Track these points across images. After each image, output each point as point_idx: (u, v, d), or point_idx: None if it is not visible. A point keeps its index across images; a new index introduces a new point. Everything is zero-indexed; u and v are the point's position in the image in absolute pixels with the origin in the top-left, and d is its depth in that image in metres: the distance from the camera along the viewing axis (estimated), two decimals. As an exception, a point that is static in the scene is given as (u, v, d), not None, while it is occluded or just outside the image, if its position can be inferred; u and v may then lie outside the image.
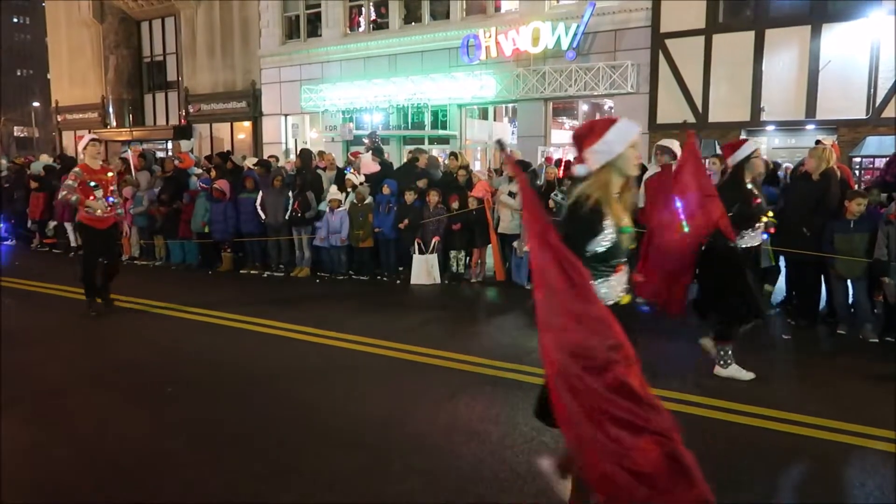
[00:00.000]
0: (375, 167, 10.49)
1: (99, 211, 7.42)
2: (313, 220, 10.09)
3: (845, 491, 3.62)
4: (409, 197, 9.51)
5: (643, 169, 8.48)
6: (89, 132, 24.07)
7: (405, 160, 11.49)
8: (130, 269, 11.19)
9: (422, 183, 9.70)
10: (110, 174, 7.79)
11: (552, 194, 8.70)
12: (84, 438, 4.29)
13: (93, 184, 7.40)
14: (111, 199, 7.59)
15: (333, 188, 10.04)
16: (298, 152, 11.29)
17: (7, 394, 5.02)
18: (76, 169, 7.54)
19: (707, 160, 9.74)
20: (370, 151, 11.00)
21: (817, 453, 4.04)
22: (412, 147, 14.97)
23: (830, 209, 6.69)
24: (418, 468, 3.81)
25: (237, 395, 5.10)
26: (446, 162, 10.93)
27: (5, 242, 14.26)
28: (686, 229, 4.96)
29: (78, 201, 7.37)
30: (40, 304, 8.57)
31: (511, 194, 9.08)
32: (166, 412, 4.75)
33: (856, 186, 7.93)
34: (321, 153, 11.73)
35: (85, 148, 7.60)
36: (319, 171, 10.73)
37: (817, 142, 7.52)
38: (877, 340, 6.43)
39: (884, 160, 9.22)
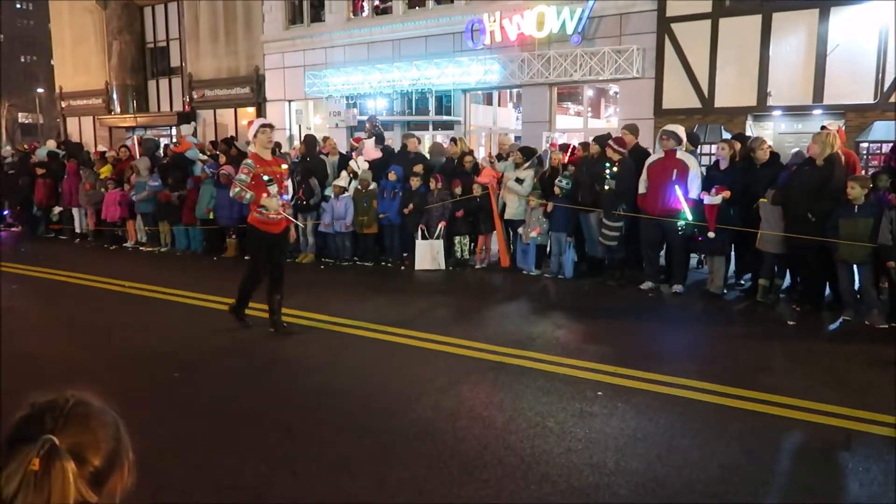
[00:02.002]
0: (378, 153, 10.47)
1: (273, 212, 6.15)
2: (318, 205, 10.09)
3: (849, 475, 3.63)
4: (414, 182, 9.49)
5: (646, 154, 8.46)
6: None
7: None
8: (136, 256, 11.26)
9: (418, 168, 9.66)
10: (284, 166, 6.57)
11: (556, 180, 8.67)
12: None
13: (266, 178, 6.12)
14: (285, 196, 6.40)
15: (343, 174, 10.03)
16: (303, 138, 11.26)
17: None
18: (248, 161, 6.19)
19: (714, 145, 9.69)
20: (373, 138, 10.97)
21: (821, 438, 4.05)
22: (408, 132, 14.95)
23: (834, 194, 6.66)
24: (423, 453, 3.83)
25: (242, 380, 5.12)
26: (446, 147, 10.92)
27: (12, 229, 14.31)
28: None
29: (253, 199, 6.04)
30: (47, 291, 8.62)
31: (518, 181, 9.04)
32: (171, 398, 4.78)
33: (862, 172, 7.89)
34: (325, 139, 11.70)
35: (255, 135, 6.28)
36: (323, 157, 10.71)
37: (822, 127, 7.47)
38: (886, 326, 6.41)
39: (891, 145, 9.15)
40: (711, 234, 7.44)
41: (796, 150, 8.31)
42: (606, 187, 8.06)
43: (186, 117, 22.92)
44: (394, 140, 16.89)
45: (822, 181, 6.70)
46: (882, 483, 3.50)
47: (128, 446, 1.15)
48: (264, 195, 6.06)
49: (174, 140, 16.37)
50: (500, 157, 10.06)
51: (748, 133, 11.98)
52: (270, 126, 6.38)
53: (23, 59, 74.42)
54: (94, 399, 1.14)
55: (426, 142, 15.55)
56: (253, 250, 6.62)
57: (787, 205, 6.98)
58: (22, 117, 66.66)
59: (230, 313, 6.55)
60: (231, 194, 6.21)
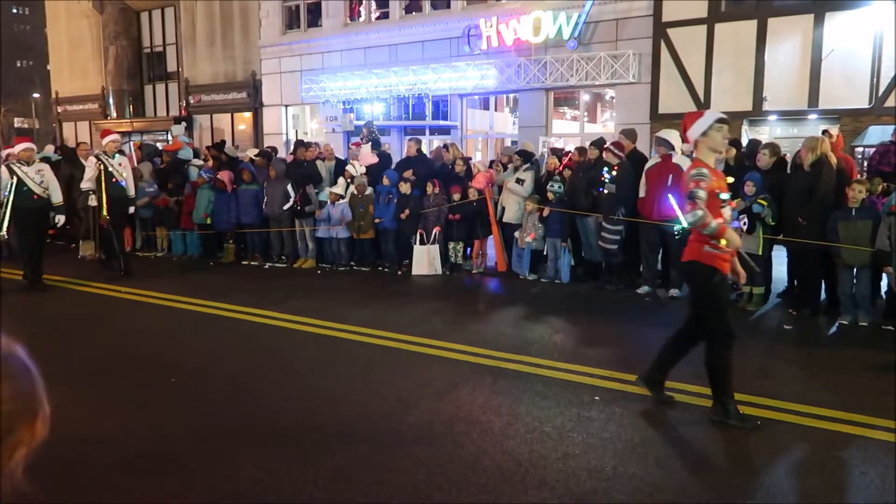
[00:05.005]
0: (374, 159, 10.49)
1: (731, 247, 4.31)
2: (314, 213, 10.09)
3: (846, 480, 3.63)
4: (405, 187, 9.48)
5: (644, 159, 8.48)
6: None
7: (405, 151, 11.48)
8: (133, 261, 11.22)
9: (407, 174, 9.65)
10: (731, 179, 4.94)
11: (548, 185, 8.70)
12: (86, 432, 4.30)
13: (724, 196, 4.32)
14: (736, 223, 4.73)
15: (340, 180, 10.03)
16: (294, 144, 11.29)
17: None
18: (703, 170, 4.19)
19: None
20: (369, 143, 10.99)
21: (820, 442, 4.05)
22: (410, 137, 14.96)
23: (822, 198, 6.70)
24: (421, 459, 3.82)
25: (240, 386, 5.11)
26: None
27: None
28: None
29: (718, 231, 4.16)
30: (44, 296, 8.60)
31: (519, 181, 9.04)
32: (168, 403, 4.77)
33: (859, 176, 7.93)
34: (306, 143, 11.60)
35: (704, 133, 4.32)
36: (319, 162, 10.71)
37: (824, 131, 7.51)
38: (866, 324, 6.58)
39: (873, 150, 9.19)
40: None
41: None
42: (606, 191, 8.07)
43: (182, 122, 22.92)
44: (391, 145, 16.92)
45: (810, 185, 6.76)
46: (880, 487, 3.51)
47: (41, 398, 1.00)
48: (720, 220, 4.21)
49: (168, 141, 16.38)
50: (503, 166, 10.04)
51: (743, 138, 12.03)
52: (726, 121, 4.38)
53: (19, 64, 74.32)
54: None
55: (423, 147, 15.53)
56: (712, 302, 4.42)
57: (782, 210, 7.02)
58: (18, 122, 66.50)
59: (732, 421, 4.28)
60: (690, 220, 4.17)
